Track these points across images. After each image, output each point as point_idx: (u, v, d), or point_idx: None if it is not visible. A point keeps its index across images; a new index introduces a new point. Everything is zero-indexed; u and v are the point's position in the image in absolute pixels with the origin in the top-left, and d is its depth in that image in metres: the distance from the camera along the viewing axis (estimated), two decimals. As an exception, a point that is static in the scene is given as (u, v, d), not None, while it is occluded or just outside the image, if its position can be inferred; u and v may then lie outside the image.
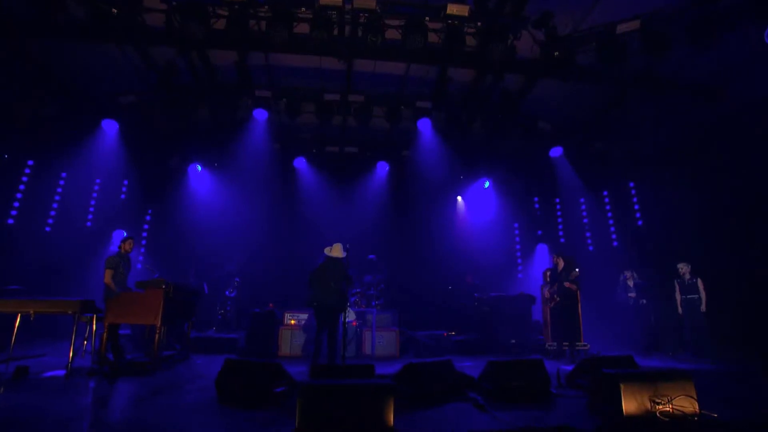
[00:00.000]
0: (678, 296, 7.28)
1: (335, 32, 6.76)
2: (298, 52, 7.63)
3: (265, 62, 8.12)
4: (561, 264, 6.69)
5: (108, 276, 5.16)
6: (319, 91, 8.38)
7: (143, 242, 10.84)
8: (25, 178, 9.35)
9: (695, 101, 8.09)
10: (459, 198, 11.53)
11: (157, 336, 4.81)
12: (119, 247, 5.56)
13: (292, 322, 6.92)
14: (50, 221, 9.67)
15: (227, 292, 8.16)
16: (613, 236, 10.45)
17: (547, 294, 6.78)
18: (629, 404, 3.00)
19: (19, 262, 8.36)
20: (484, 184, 10.87)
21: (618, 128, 9.28)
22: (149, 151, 9.83)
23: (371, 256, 8.30)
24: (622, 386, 3.01)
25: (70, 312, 4.47)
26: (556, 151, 9.82)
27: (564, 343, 6.65)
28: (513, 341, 7.39)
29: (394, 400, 2.45)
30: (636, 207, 9.99)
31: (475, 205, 11.32)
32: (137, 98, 8.18)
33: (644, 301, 7.79)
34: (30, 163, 9.48)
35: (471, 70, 8.19)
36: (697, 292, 7.09)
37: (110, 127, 8.73)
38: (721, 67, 7.30)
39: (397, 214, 10.41)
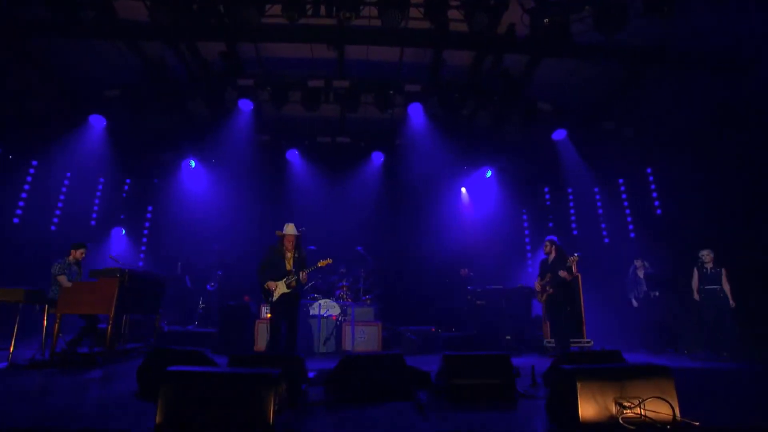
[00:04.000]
0: (695, 284, 6.45)
1: (310, 10, 6.47)
2: (275, 40, 7.40)
3: (257, 54, 7.92)
4: (553, 254, 6.02)
5: (65, 280, 4.93)
6: (305, 78, 8.08)
7: (144, 240, 10.93)
8: (29, 178, 9.52)
9: (718, 77, 7.23)
10: (463, 189, 10.95)
11: (109, 327, 4.61)
12: (70, 254, 5.37)
13: (269, 315, 6.61)
14: (55, 220, 9.82)
15: (208, 286, 7.98)
16: (630, 227, 9.63)
17: (537, 286, 6.12)
18: (587, 407, 2.44)
19: (26, 261, 8.48)
20: (486, 173, 10.25)
21: (632, 110, 8.48)
22: (141, 147, 9.85)
23: (358, 248, 7.90)
24: (579, 385, 2.46)
25: (13, 301, 4.34)
26: (563, 137, 9.10)
27: (572, 341, 6.04)
28: (508, 337, 6.79)
29: (274, 394, 2.04)
30: (654, 195, 9.14)
31: (478, 196, 10.71)
32: (125, 92, 8.12)
33: (657, 293, 6.98)
34: (34, 163, 9.68)
35: (467, 53, 7.69)
36: (719, 282, 6.26)
37: (101, 123, 8.74)
38: (745, 37, 6.44)
39: (392, 205, 9.98)
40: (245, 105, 8.30)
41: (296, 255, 5.14)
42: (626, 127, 8.75)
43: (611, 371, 2.53)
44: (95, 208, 10.50)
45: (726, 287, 6.25)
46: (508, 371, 3.46)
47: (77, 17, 6.05)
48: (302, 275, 4.98)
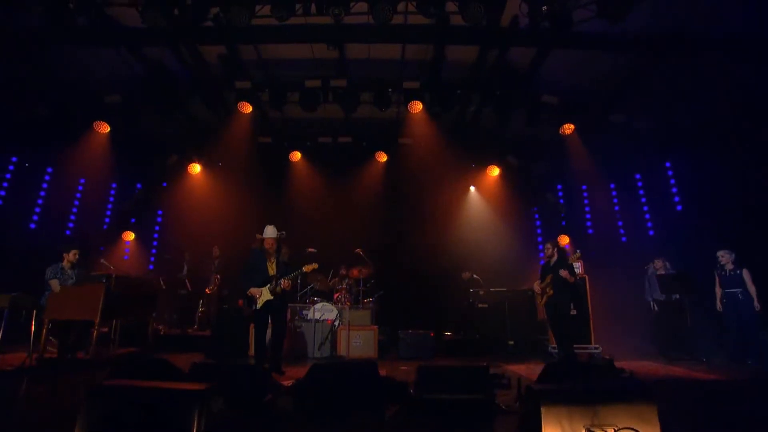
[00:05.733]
0: (718, 290, 5.97)
1: (299, 10, 6.35)
2: (273, 41, 7.32)
3: (257, 56, 7.88)
4: (555, 256, 5.69)
5: (56, 285, 5.05)
6: (302, 78, 7.99)
7: (154, 243, 11.12)
8: (45, 185, 9.77)
9: (740, 64, 6.67)
10: (472, 188, 10.62)
11: (95, 332, 4.64)
12: (63, 257, 5.43)
13: (252, 324, 6.52)
14: (70, 225, 10.07)
15: (207, 290, 8.02)
16: (649, 224, 9.09)
17: (537, 288, 5.79)
18: (553, 434, 2.20)
19: (43, 266, 8.70)
20: (492, 171, 9.89)
21: (644, 101, 7.96)
22: (148, 152, 10.00)
23: (359, 250, 7.74)
24: (543, 410, 2.21)
25: (-1, 306, 4.42)
26: (573, 132, 8.64)
27: (578, 346, 5.68)
28: (511, 342, 6.48)
29: (200, 412, 1.90)
30: (674, 190, 8.58)
31: (485, 195, 10.36)
32: (126, 97, 8.21)
33: (677, 296, 6.48)
34: (50, 170, 9.94)
35: (471, 49, 7.41)
36: (741, 285, 5.76)
37: (106, 129, 8.87)
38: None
39: (395, 206, 9.76)
40: (246, 107, 8.27)
41: (278, 259, 4.97)
42: (638, 120, 8.22)
43: (582, 394, 2.26)
44: (108, 212, 10.74)
45: (751, 289, 5.77)
46: (487, 385, 3.21)
47: (74, 24, 6.14)
48: (284, 282, 4.82)
